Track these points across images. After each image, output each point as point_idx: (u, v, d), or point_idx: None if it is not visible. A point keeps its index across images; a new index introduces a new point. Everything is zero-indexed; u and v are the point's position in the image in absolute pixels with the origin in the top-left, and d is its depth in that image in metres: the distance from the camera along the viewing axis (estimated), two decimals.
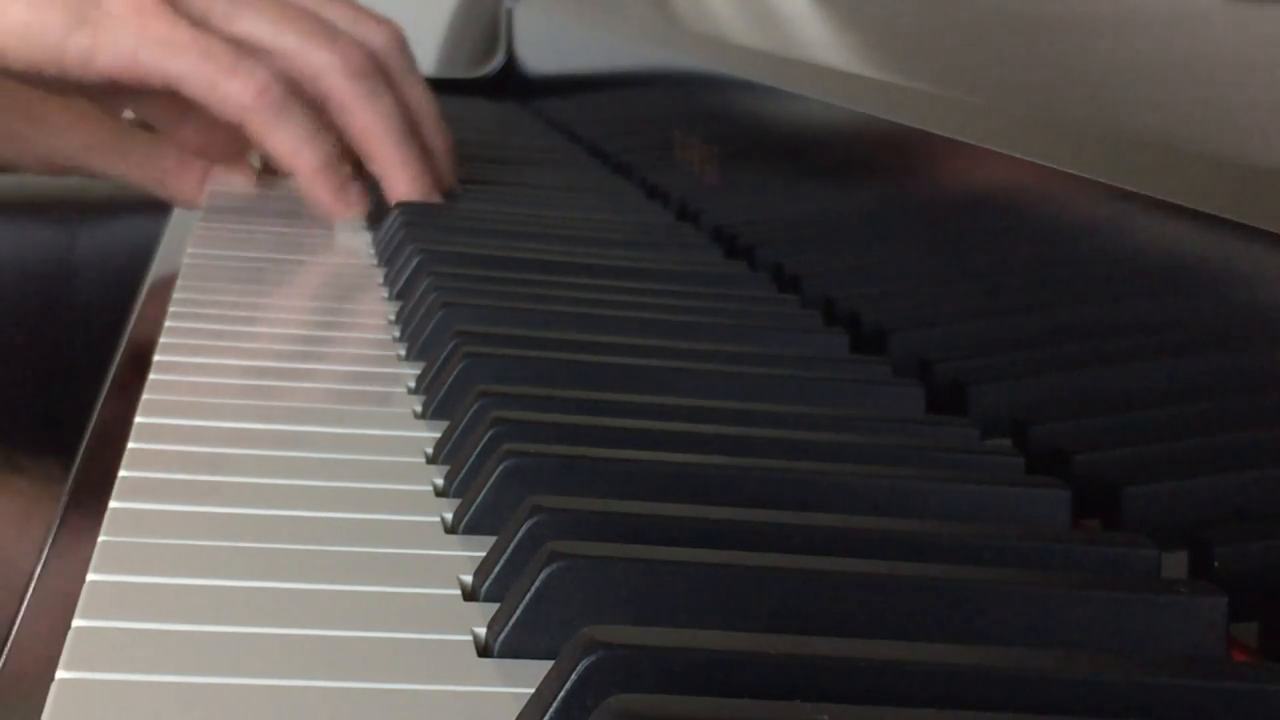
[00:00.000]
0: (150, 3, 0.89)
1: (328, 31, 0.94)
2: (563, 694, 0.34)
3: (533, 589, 0.39)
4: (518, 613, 0.40)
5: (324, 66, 0.93)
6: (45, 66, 0.89)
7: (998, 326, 0.61)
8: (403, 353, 0.68)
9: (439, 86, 1.61)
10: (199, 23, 0.91)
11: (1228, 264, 0.46)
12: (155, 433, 0.55)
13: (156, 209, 1.09)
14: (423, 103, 0.99)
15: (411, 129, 0.96)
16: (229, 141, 0.99)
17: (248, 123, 0.89)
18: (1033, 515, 0.49)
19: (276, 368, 0.65)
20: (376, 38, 0.97)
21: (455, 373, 0.59)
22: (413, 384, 0.63)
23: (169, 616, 0.40)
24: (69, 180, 1.01)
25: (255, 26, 0.93)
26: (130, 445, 0.53)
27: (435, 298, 0.69)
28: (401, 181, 0.94)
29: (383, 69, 0.96)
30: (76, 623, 0.40)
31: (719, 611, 0.40)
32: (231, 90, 0.88)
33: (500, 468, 0.48)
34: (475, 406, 0.54)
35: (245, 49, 0.90)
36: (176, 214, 1.01)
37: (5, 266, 1.33)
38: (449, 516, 0.48)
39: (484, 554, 0.44)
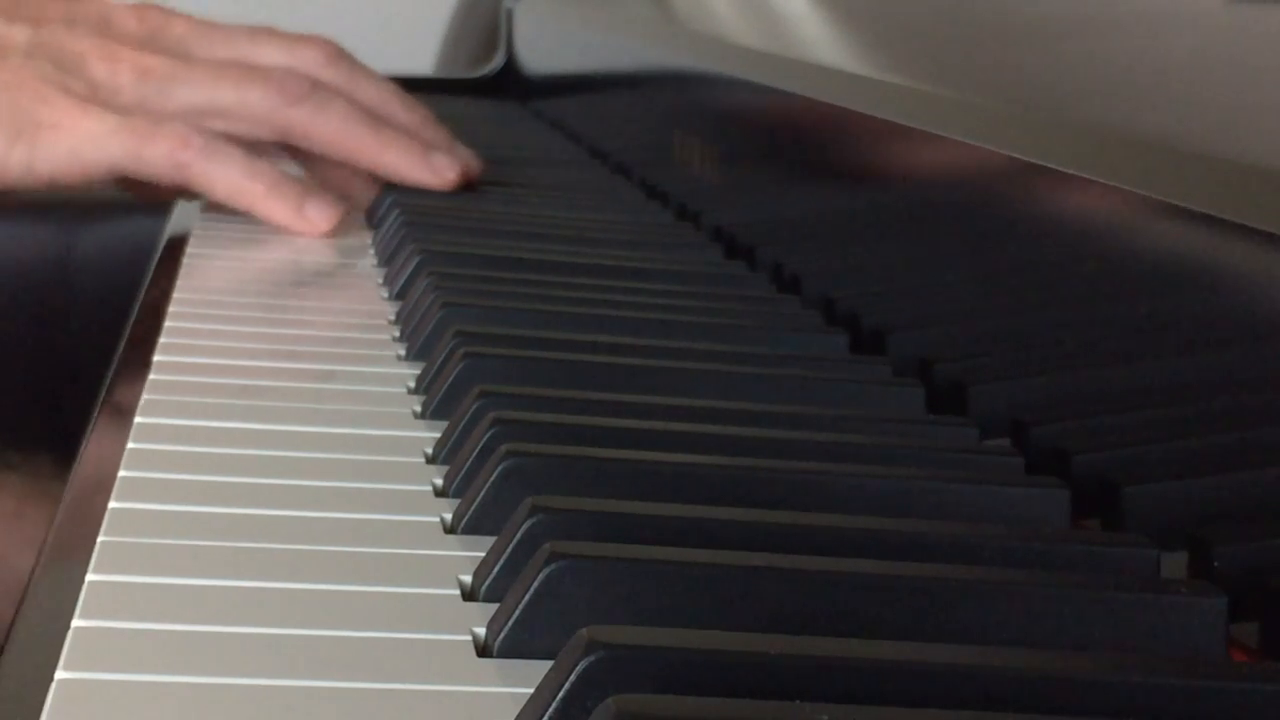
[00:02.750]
0: (82, 105, 0.90)
1: (258, 73, 0.95)
2: (562, 694, 0.34)
3: (532, 589, 0.39)
4: (517, 613, 0.40)
5: (266, 107, 0.94)
6: None
7: (998, 326, 0.61)
8: (403, 353, 0.68)
9: (439, 87, 1.60)
10: (135, 111, 0.92)
11: (1228, 264, 0.46)
12: (155, 433, 0.55)
13: (156, 209, 1.09)
14: (379, 93, 1.00)
15: (383, 119, 0.97)
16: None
17: (186, 180, 0.90)
18: (1033, 515, 0.49)
19: (276, 367, 0.64)
20: (311, 57, 0.98)
21: (455, 373, 0.59)
22: (413, 384, 0.63)
23: (169, 616, 0.40)
24: None
25: (190, 96, 0.94)
26: (130, 446, 0.53)
27: (435, 298, 0.69)
28: (393, 163, 0.95)
29: (324, 83, 0.96)
30: (76, 623, 0.40)
31: (719, 611, 0.40)
32: (156, 155, 0.89)
33: (500, 468, 0.48)
34: (475, 406, 0.54)
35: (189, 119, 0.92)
36: (176, 214, 1.01)
37: (5, 266, 1.33)
38: (449, 516, 0.48)
39: (483, 554, 0.44)
